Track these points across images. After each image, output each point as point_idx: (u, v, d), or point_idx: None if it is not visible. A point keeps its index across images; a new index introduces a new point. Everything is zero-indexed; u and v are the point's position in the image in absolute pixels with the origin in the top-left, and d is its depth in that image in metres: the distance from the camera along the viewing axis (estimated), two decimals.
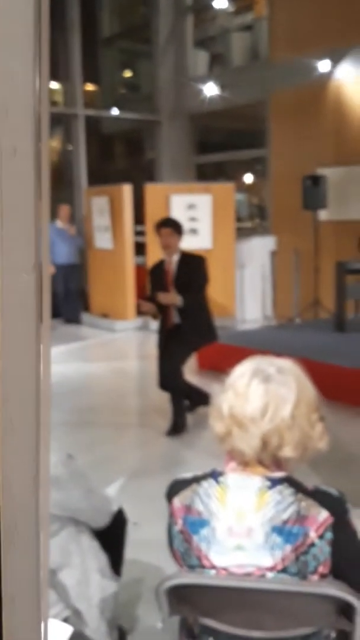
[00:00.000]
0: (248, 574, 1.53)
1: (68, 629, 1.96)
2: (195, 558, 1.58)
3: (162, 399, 5.37)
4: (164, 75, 11.66)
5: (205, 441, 4.72)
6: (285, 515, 1.51)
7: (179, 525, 1.61)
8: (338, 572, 1.55)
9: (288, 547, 1.50)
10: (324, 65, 9.15)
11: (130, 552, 2.47)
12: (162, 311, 5.12)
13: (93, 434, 5.15)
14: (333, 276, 7.57)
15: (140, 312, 6.59)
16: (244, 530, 1.53)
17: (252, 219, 12.96)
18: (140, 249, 9.65)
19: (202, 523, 1.57)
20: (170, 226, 5.12)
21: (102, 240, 9.96)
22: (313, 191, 8.63)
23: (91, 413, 5.73)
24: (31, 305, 0.52)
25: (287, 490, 1.54)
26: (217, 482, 1.59)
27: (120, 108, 12.23)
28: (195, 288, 5.07)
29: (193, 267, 5.09)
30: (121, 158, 13.95)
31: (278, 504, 1.53)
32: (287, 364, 1.63)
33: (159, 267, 5.26)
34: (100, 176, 11.63)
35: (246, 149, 11.93)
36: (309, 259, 8.91)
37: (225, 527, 1.54)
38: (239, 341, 6.95)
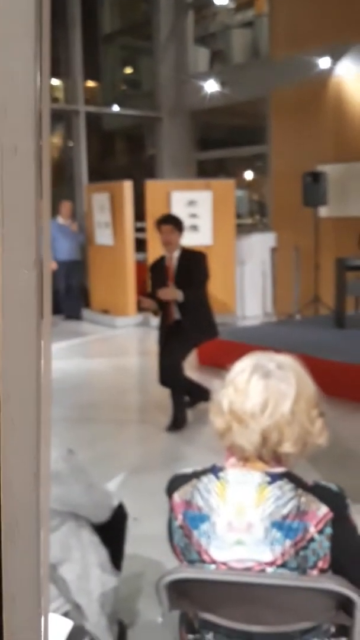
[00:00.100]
0: (248, 569, 1.54)
1: (68, 624, 1.97)
2: (196, 553, 1.59)
3: (163, 395, 5.37)
4: (165, 72, 11.65)
5: (205, 437, 4.73)
6: (285, 511, 1.52)
7: (179, 520, 1.62)
8: (337, 567, 1.55)
9: (288, 542, 1.51)
10: (324, 62, 9.14)
11: (131, 546, 2.48)
12: (162, 307, 5.12)
13: (94, 430, 5.16)
14: (333, 273, 7.57)
15: (140, 309, 6.61)
16: (243, 525, 1.54)
17: (252, 216, 12.95)
18: (140, 245, 9.66)
19: (202, 518, 1.58)
20: (171, 223, 5.11)
21: (103, 236, 9.96)
22: (313, 188, 8.63)
23: (92, 409, 5.74)
24: (32, 302, 0.52)
25: (286, 486, 1.55)
26: (217, 477, 1.60)
27: (121, 105, 12.22)
28: (196, 284, 5.07)
29: (194, 263, 5.09)
30: (122, 154, 13.93)
31: (278, 499, 1.53)
32: (287, 360, 1.63)
33: (160, 263, 5.26)
34: (101, 172, 11.63)
35: (247, 146, 11.91)
36: (309, 255, 8.91)
37: (225, 522, 1.55)
38: (239, 337, 6.96)
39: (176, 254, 5.13)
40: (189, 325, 5.09)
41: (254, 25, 11.35)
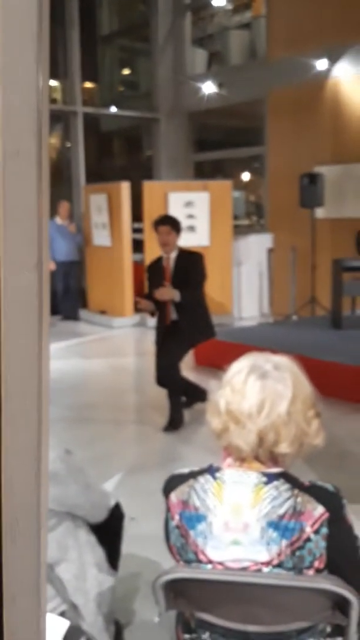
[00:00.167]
0: (244, 569, 1.54)
1: (65, 623, 1.97)
2: (192, 553, 1.59)
3: (160, 395, 5.38)
4: (163, 73, 11.66)
5: (201, 437, 4.74)
6: (281, 511, 1.52)
7: (175, 520, 1.62)
8: (333, 567, 1.56)
9: (284, 542, 1.51)
10: (321, 64, 9.16)
11: (127, 546, 2.48)
12: (159, 308, 5.12)
13: (91, 430, 5.16)
14: (330, 274, 7.59)
15: (137, 310, 6.61)
16: (240, 525, 1.54)
17: (249, 217, 12.97)
18: (137, 246, 9.67)
19: (199, 518, 1.58)
20: (169, 224, 5.11)
21: (100, 237, 9.97)
22: (310, 189, 8.65)
23: (89, 409, 5.74)
24: (34, 304, 0.53)
25: (283, 486, 1.55)
26: (213, 477, 1.60)
27: (118, 106, 12.22)
28: (193, 284, 5.07)
29: (191, 263, 5.10)
30: (119, 155, 13.94)
31: (274, 499, 1.54)
32: (283, 360, 1.64)
33: (157, 263, 5.26)
34: (99, 173, 11.64)
35: (244, 147, 11.93)
36: (305, 256, 8.92)
37: (222, 522, 1.55)
38: (236, 338, 6.97)
39: (174, 255, 5.13)
40: (186, 325, 5.10)
41: (252, 27, 11.37)
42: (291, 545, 1.52)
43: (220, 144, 12.54)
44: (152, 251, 7.55)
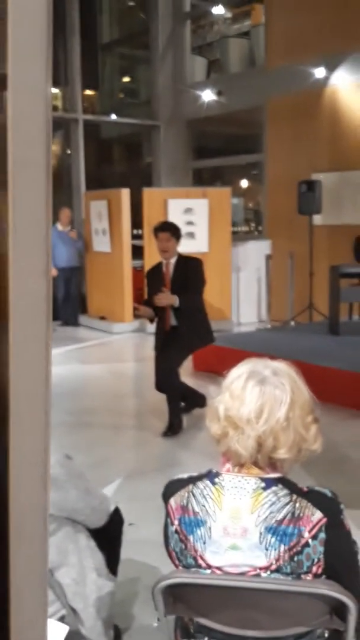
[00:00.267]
0: (243, 574, 1.54)
1: (64, 628, 1.98)
2: (191, 558, 1.59)
3: (159, 401, 5.39)
4: (162, 81, 11.70)
5: (200, 442, 4.75)
6: (279, 516, 1.53)
7: (175, 525, 1.62)
8: (331, 572, 1.56)
9: (282, 547, 1.52)
10: (319, 72, 9.20)
11: (126, 551, 2.48)
12: (159, 313, 5.13)
13: (90, 435, 5.16)
14: (327, 280, 7.60)
15: (136, 316, 6.62)
16: (239, 530, 1.54)
17: (247, 223, 12.99)
18: (137, 252, 9.69)
19: (198, 523, 1.58)
20: (168, 231, 5.12)
21: (100, 243, 9.99)
22: (308, 196, 8.67)
23: (88, 414, 5.75)
24: (42, 310, 0.54)
25: (281, 491, 1.56)
26: (213, 482, 1.60)
27: (118, 113, 12.26)
28: (192, 290, 5.08)
29: (190, 269, 5.11)
30: (119, 162, 13.97)
31: (273, 504, 1.54)
32: (282, 366, 1.64)
33: (156, 269, 5.27)
34: (99, 180, 11.66)
35: (243, 154, 11.97)
36: (303, 262, 8.94)
37: (221, 527, 1.56)
38: (234, 343, 6.98)
39: (173, 261, 5.15)
40: (185, 331, 5.11)
41: (251, 35, 11.42)
42: (289, 550, 1.52)
43: (219, 151, 12.58)
44: (152, 257, 7.57)
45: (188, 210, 9.24)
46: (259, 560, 1.53)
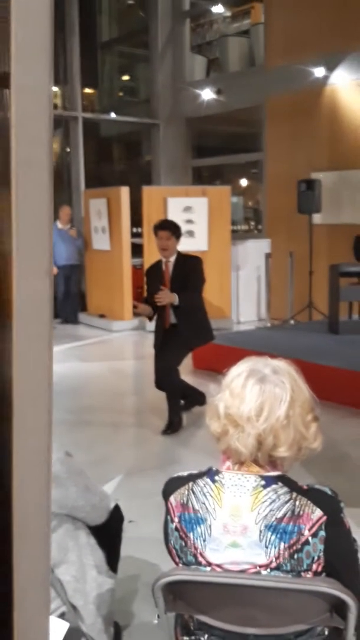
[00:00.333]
0: (243, 571, 1.54)
1: (65, 625, 1.99)
2: (192, 555, 1.60)
3: (159, 399, 5.39)
4: (162, 79, 11.70)
5: (200, 440, 4.76)
6: (279, 514, 1.53)
7: (175, 522, 1.63)
8: (331, 569, 1.56)
9: (282, 545, 1.52)
10: (319, 71, 9.20)
11: (126, 549, 2.49)
12: (158, 311, 5.14)
13: (90, 433, 5.17)
14: (326, 279, 7.61)
15: (135, 314, 6.62)
16: (239, 528, 1.55)
17: (247, 222, 12.99)
18: (136, 250, 9.70)
19: (198, 521, 1.59)
20: (169, 229, 5.11)
21: (100, 241, 10.00)
22: (307, 195, 8.68)
23: (88, 412, 5.75)
24: (45, 309, 0.54)
25: (281, 489, 1.56)
26: (213, 480, 1.61)
27: (118, 111, 12.26)
28: (192, 288, 5.09)
29: (190, 267, 5.11)
30: (119, 161, 13.96)
31: (273, 502, 1.54)
32: (282, 364, 1.64)
33: (156, 267, 5.28)
34: (98, 178, 11.66)
35: (242, 153, 11.97)
36: (303, 261, 8.95)
37: (221, 524, 1.56)
38: (234, 342, 6.99)
39: (173, 259, 5.15)
40: (184, 329, 5.11)
41: (250, 34, 11.42)
42: (289, 548, 1.52)
43: (218, 150, 12.57)
44: (151, 255, 7.57)
45: (187, 209, 9.24)
46: (259, 558, 1.53)
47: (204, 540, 1.58)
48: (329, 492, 1.60)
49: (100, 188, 10.36)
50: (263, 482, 1.57)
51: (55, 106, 11.19)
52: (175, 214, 8.72)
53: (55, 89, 11.36)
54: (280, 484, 1.57)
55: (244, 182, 13.28)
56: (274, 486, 1.56)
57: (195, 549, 1.59)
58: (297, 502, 1.54)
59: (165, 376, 5.13)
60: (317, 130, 9.35)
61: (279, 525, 1.53)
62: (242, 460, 1.59)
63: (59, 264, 9.70)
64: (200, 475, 1.65)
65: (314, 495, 1.57)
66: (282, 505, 1.54)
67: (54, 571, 2.08)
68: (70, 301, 10.16)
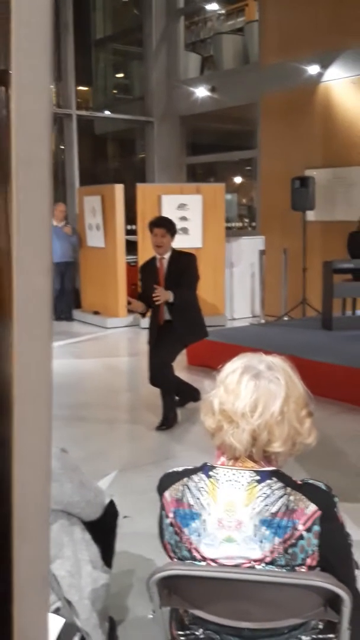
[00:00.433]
0: (237, 566, 1.55)
1: (60, 620, 1.99)
2: (186, 550, 1.60)
3: (153, 395, 5.40)
4: (156, 77, 11.69)
5: (195, 436, 4.78)
6: (274, 509, 1.54)
7: (170, 518, 1.63)
8: (325, 564, 1.57)
9: (277, 540, 1.53)
10: (313, 69, 9.21)
11: (121, 544, 2.48)
12: (152, 308, 5.14)
13: (85, 429, 5.17)
14: (320, 275, 7.63)
15: (128, 311, 6.59)
16: (233, 523, 1.55)
17: (241, 219, 13.00)
18: (131, 247, 9.70)
19: (193, 516, 1.59)
20: (164, 227, 5.11)
21: (94, 238, 9.99)
22: (301, 192, 8.70)
23: (83, 408, 5.76)
24: (46, 307, 0.54)
25: (276, 484, 1.56)
26: (207, 476, 1.61)
27: (112, 109, 12.24)
28: (186, 285, 5.09)
29: (184, 264, 5.12)
30: (113, 158, 13.94)
31: (267, 497, 1.55)
32: (277, 360, 1.65)
33: (150, 264, 5.28)
34: (93, 176, 11.65)
35: (236, 151, 11.97)
36: (297, 258, 8.97)
37: (216, 519, 1.57)
38: (228, 338, 7.00)
39: (167, 256, 5.16)
40: (178, 326, 5.12)
41: (244, 32, 11.41)
42: (284, 542, 1.53)
43: (212, 148, 12.57)
44: (146, 252, 7.57)
45: (182, 206, 9.25)
46: (253, 553, 1.54)
47: (199, 535, 1.58)
48: (323, 487, 1.60)
49: (94, 185, 10.35)
50: (257, 478, 1.57)
51: None
52: (169, 211, 8.72)
53: None
54: (274, 479, 1.57)
55: (238, 180, 13.29)
56: (268, 481, 1.57)
57: (190, 544, 1.59)
58: (292, 497, 1.55)
59: (160, 372, 5.14)
60: (311, 127, 9.36)
61: (274, 520, 1.53)
62: (237, 455, 1.60)
63: (53, 261, 9.69)
64: (195, 471, 1.65)
65: (308, 490, 1.57)
66: (276, 500, 1.55)
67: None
68: (65, 298, 10.16)
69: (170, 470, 1.71)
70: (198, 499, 1.60)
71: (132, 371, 7.37)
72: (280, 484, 1.57)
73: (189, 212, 9.26)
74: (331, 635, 1.66)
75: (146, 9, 11.66)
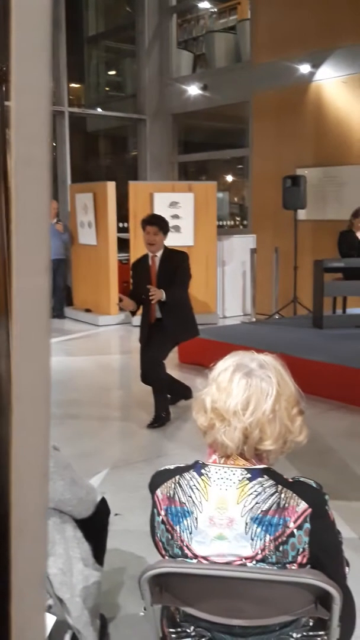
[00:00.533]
0: (228, 563, 1.56)
1: (51, 618, 2.00)
2: (178, 548, 1.60)
3: (145, 392, 5.41)
4: (148, 74, 11.68)
5: (186, 433, 4.79)
6: (265, 506, 1.54)
7: (161, 515, 1.63)
8: (316, 561, 1.58)
9: (268, 537, 1.53)
10: (304, 68, 9.23)
11: (112, 541, 2.49)
12: (144, 306, 5.14)
13: (76, 427, 5.17)
14: (311, 274, 7.66)
15: (120, 308, 6.60)
16: (225, 520, 1.56)
17: (233, 218, 13.02)
18: (122, 245, 9.69)
19: (185, 514, 1.60)
20: (157, 225, 5.11)
21: (86, 236, 9.98)
22: (292, 191, 8.71)
23: (75, 406, 5.75)
24: (44, 306, 0.54)
25: (267, 482, 1.57)
26: (199, 474, 1.62)
27: (104, 106, 12.22)
28: (178, 283, 5.09)
29: (177, 263, 5.12)
30: (105, 155, 13.92)
31: (258, 495, 1.55)
32: (268, 359, 1.65)
33: (142, 261, 5.27)
34: (85, 173, 11.63)
35: (228, 149, 11.98)
36: (288, 257, 8.99)
37: (207, 517, 1.57)
38: (219, 336, 7.01)
39: (159, 254, 5.16)
40: (170, 324, 5.12)
41: (237, 30, 11.42)
42: (275, 540, 1.54)
43: (204, 146, 12.58)
44: (137, 250, 7.57)
45: (174, 204, 9.25)
46: (244, 550, 1.55)
47: (190, 533, 1.59)
48: (314, 485, 1.61)
49: (86, 183, 10.33)
50: (249, 475, 1.58)
51: None
52: (161, 209, 8.72)
53: None
54: (265, 477, 1.58)
55: (229, 178, 13.30)
56: (259, 479, 1.57)
57: (182, 541, 1.60)
58: (283, 495, 1.55)
59: (151, 370, 5.14)
60: (303, 126, 9.38)
61: (265, 517, 1.54)
62: (229, 453, 1.60)
63: None
64: (187, 469, 1.65)
65: (299, 488, 1.58)
66: (267, 498, 1.55)
67: None
68: (57, 295, 10.15)
69: (162, 468, 1.72)
70: (190, 496, 1.60)
71: (124, 369, 7.37)
72: (271, 482, 1.57)
73: (180, 210, 9.27)
74: (321, 633, 1.66)
75: (138, 6, 11.64)
